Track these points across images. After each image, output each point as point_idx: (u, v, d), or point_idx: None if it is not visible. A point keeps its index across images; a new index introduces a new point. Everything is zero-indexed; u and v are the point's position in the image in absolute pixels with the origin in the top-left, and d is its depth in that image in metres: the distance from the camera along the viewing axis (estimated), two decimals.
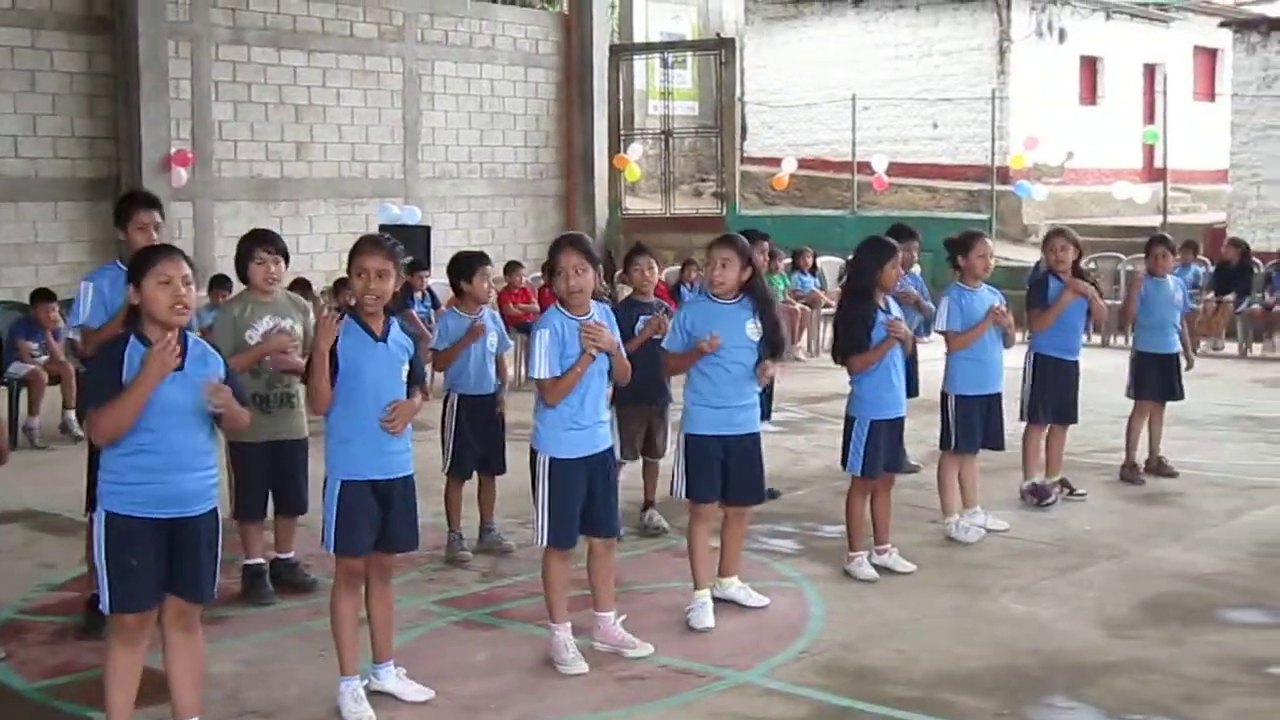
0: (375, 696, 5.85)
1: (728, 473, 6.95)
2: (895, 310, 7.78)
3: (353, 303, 5.85)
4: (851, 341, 7.60)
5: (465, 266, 8.34)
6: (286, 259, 7.44)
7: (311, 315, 7.56)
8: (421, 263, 15.07)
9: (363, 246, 5.78)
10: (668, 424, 8.64)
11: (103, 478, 5.05)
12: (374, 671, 5.93)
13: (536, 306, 15.33)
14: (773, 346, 6.97)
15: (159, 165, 18.63)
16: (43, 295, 12.59)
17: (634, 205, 25.87)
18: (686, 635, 6.77)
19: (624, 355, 6.44)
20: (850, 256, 8.12)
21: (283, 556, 7.51)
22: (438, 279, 15.92)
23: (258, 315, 7.26)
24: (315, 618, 7.00)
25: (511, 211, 23.82)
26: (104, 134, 18.81)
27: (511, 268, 15.89)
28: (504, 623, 7.06)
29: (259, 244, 7.36)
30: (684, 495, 7.03)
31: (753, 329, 6.85)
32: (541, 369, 6.18)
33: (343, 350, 5.62)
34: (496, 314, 8.69)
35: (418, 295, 14.44)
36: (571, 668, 6.24)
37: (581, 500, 6.30)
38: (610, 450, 6.47)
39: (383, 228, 18.39)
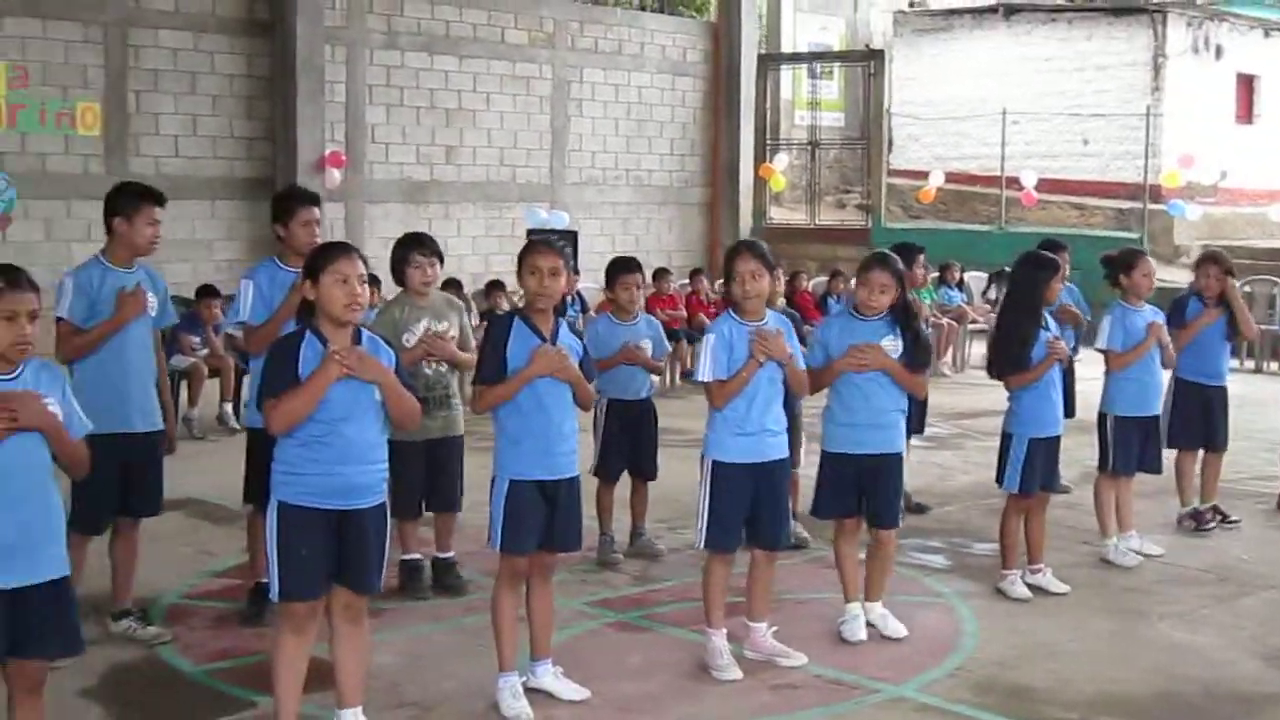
0: (532, 694, 5.91)
1: (863, 491, 6.88)
2: (1054, 328, 7.69)
3: (503, 306, 5.93)
4: (1013, 359, 7.51)
5: (609, 273, 8.39)
6: (441, 261, 7.51)
7: (466, 314, 7.66)
8: (571, 267, 15.14)
9: (536, 246, 5.85)
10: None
11: (276, 468, 5.18)
12: (531, 669, 6.00)
13: (684, 313, 15.39)
14: (915, 360, 6.88)
15: (313, 166, 18.97)
16: (205, 291, 12.90)
17: (778, 215, 25.83)
18: (838, 647, 6.75)
19: (799, 367, 6.44)
20: (1010, 272, 8.05)
21: (442, 556, 7.60)
22: (585, 284, 16.12)
23: (415, 318, 7.36)
24: (470, 614, 7.11)
25: (656, 219, 23.91)
26: (261, 135, 19.21)
27: (660, 274, 15.96)
28: (656, 626, 7.10)
29: (415, 247, 7.46)
30: (813, 513, 7.02)
31: (891, 346, 6.79)
32: (705, 371, 6.23)
33: (512, 351, 5.69)
34: (654, 319, 8.70)
35: (567, 299, 14.53)
36: (726, 674, 6.25)
37: (745, 507, 6.30)
38: (784, 461, 6.44)
39: (530, 232, 18.56)
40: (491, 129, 21.60)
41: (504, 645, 5.85)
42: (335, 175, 19.12)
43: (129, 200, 6.64)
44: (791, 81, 27.76)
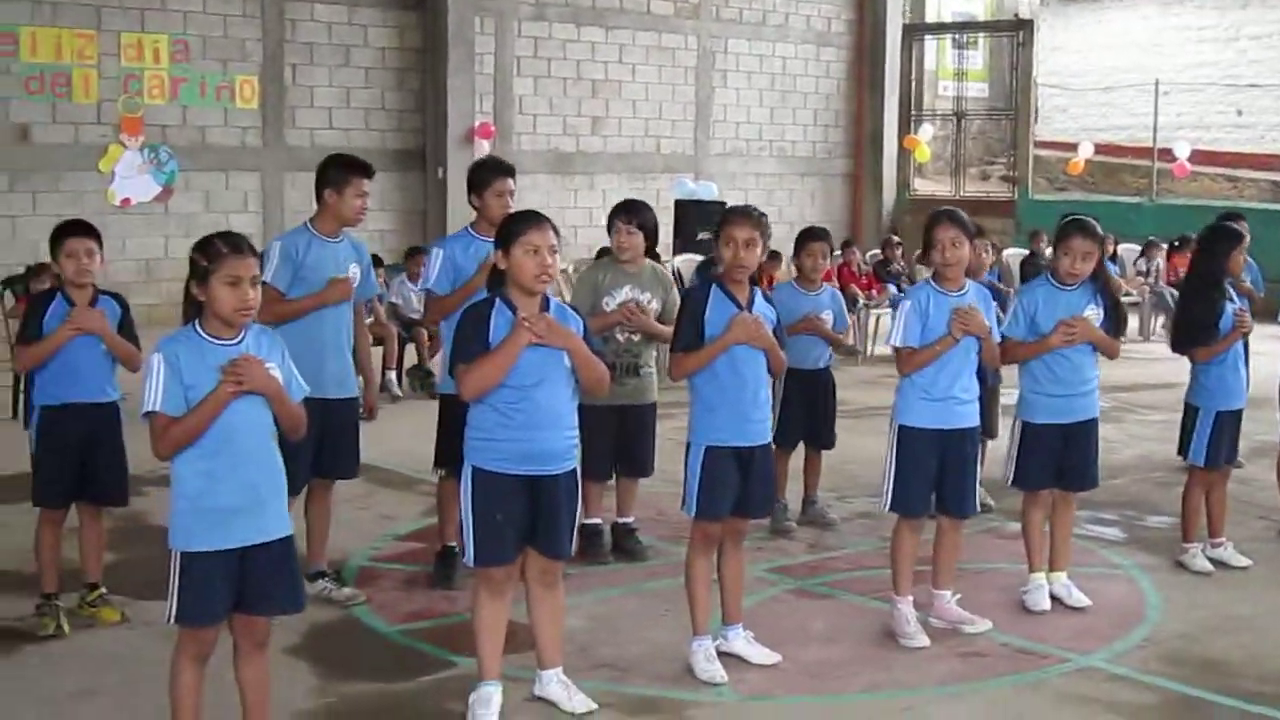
0: (723, 658, 5.97)
1: (1060, 459, 6.86)
2: (1238, 300, 7.57)
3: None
4: (1199, 332, 7.41)
5: (797, 241, 8.42)
6: (647, 233, 7.43)
7: (675, 290, 7.65)
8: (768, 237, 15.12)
9: (732, 217, 5.86)
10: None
11: (470, 434, 5.26)
12: (724, 634, 6.06)
13: (836, 284, 15.33)
14: (1115, 327, 6.85)
15: (463, 138, 19.17)
16: (417, 250, 13.03)
17: (921, 187, 25.62)
18: (1022, 616, 6.73)
19: (995, 342, 6.42)
20: (1194, 245, 7.94)
21: (622, 521, 7.67)
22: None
23: (618, 284, 7.35)
24: (651, 579, 7.20)
25: (799, 190, 23.84)
26: (411, 107, 19.45)
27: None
28: (836, 593, 7.13)
29: (619, 214, 7.44)
30: (1014, 484, 6.97)
31: (1094, 314, 6.74)
32: (896, 336, 6.25)
33: (710, 319, 5.74)
34: (838, 292, 8.69)
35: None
36: (913, 641, 6.26)
37: (932, 473, 6.31)
38: (973, 430, 6.42)
39: (678, 203, 18.63)
40: (637, 100, 21.67)
41: (698, 609, 5.90)
42: (484, 146, 19.27)
43: (339, 172, 6.73)
44: (936, 51, 27.46)
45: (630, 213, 7.43)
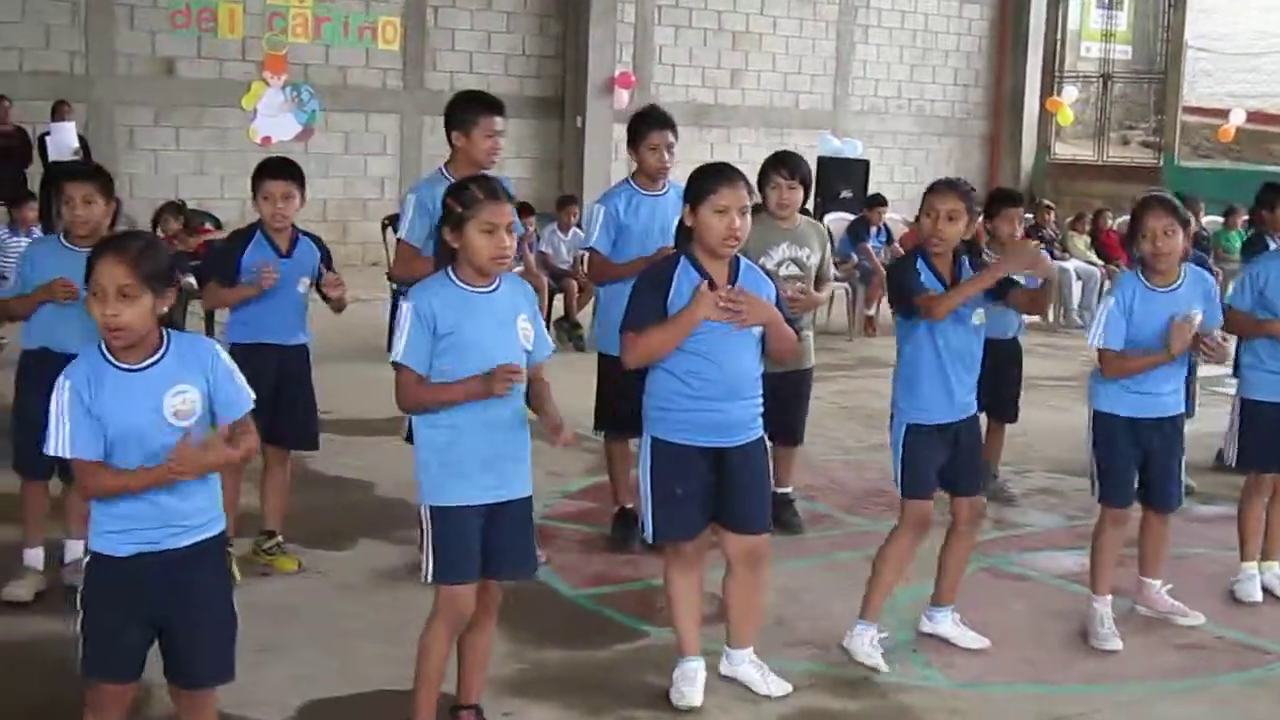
0: (926, 639, 5.73)
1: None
2: None
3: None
4: None
5: (989, 204, 8.07)
6: (805, 188, 7.05)
7: (830, 242, 7.32)
8: (881, 198, 14.80)
9: (938, 187, 5.50)
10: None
11: (649, 402, 4.97)
12: (929, 614, 5.79)
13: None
14: None
15: (603, 87, 18.90)
16: (521, 209, 12.83)
17: (1060, 151, 24.98)
18: (1232, 607, 6.40)
19: (1216, 327, 5.96)
20: None
21: (780, 491, 7.24)
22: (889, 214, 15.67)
23: (774, 241, 6.90)
24: (836, 549, 6.98)
25: (936, 150, 23.35)
26: (552, 53, 19.22)
27: None
28: (1031, 574, 6.84)
29: (776, 167, 6.99)
30: (1238, 466, 6.58)
31: None
32: (1096, 336, 5.81)
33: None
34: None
35: (872, 229, 14.22)
36: (1106, 644, 5.84)
37: (1136, 461, 5.94)
38: (1179, 417, 5.99)
39: (822, 160, 18.23)
40: (776, 53, 21.29)
41: (878, 594, 5.59)
42: (624, 96, 19.01)
43: (465, 112, 6.23)
44: (1079, 11, 26.75)
45: (790, 166, 6.95)
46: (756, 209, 5.44)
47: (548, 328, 11.88)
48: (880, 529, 7.22)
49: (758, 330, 4.89)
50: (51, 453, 3.68)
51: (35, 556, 5.99)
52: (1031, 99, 23.68)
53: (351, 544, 6.68)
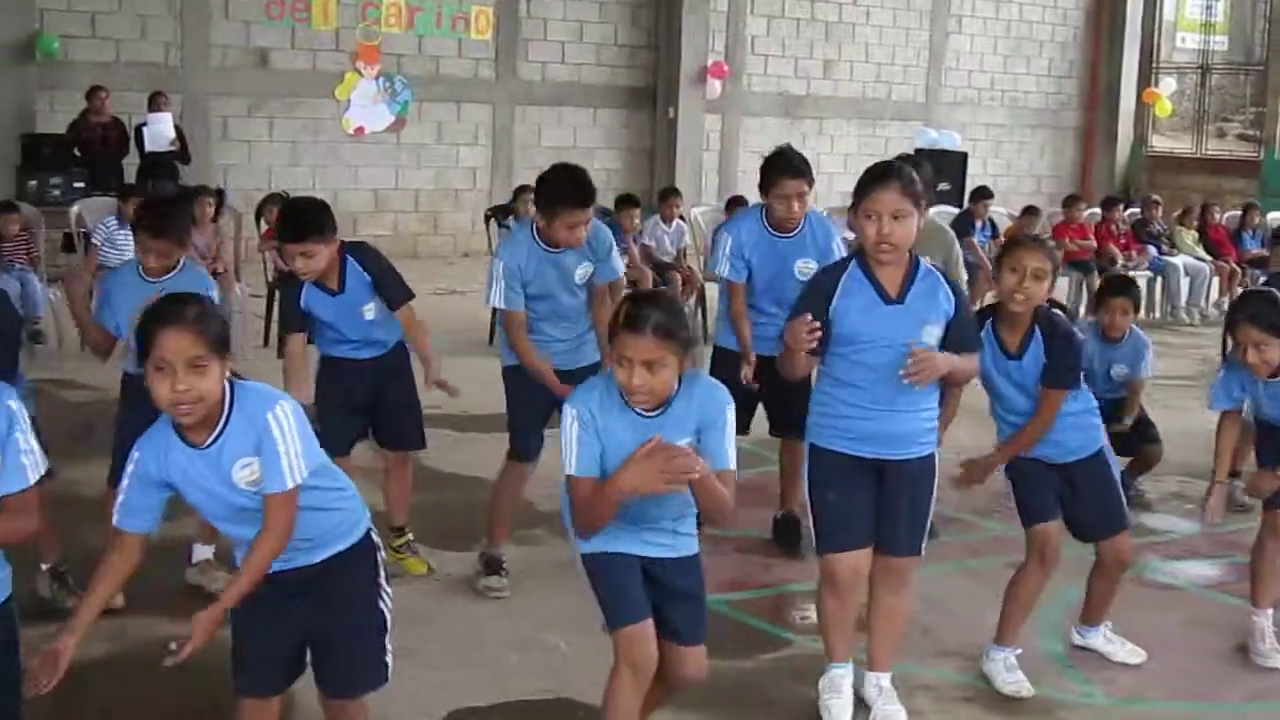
0: (1080, 653, 5.50)
1: None
2: None
3: None
4: None
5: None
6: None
7: (957, 245, 7.02)
8: (987, 190, 14.48)
9: (1026, 242, 5.14)
10: None
11: (813, 409, 4.77)
12: (1080, 631, 5.56)
13: (1093, 243, 14.62)
14: None
15: (695, 76, 18.69)
16: (626, 200, 12.69)
17: (1156, 143, 24.51)
18: None
19: None
20: None
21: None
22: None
23: None
24: (973, 556, 6.76)
25: (1029, 143, 22.98)
26: (644, 43, 19.01)
27: (1070, 201, 15.15)
28: (1179, 584, 6.58)
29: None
30: None
31: None
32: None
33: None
34: (1143, 341, 7.54)
35: (978, 224, 13.92)
36: (1266, 660, 5.57)
37: None
38: None
39: (919, 151, 17.95)
40: (870, 44, 21.00)
41: (1010, 625, 5.30)
42: (716, 86, 18.81)
43: (547, 201, 5.77)
44: (1176, 1, 26.27)
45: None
46: None
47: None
48: (1015, 534, 7.06)
49: (933, 339, 4.61)
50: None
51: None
52: (1128, 91, 23.22)
53: (476, 544, 6.51)
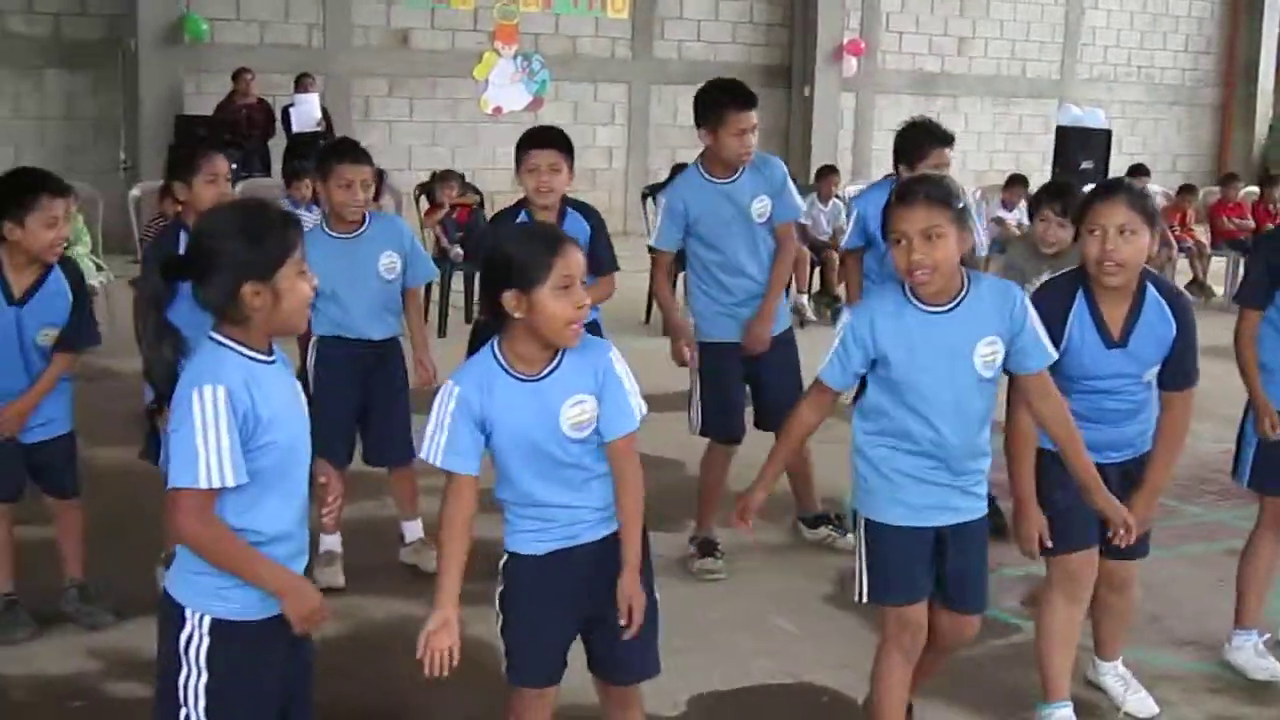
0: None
1: None
2: None
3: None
4: None
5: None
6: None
7: None
8: (1143, 168, 14.22)
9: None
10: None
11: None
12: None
13: (1251, 223, 14.29)
14: None
15: (831, 54, 18.53)
16: (829, 170, 12.61)
17: None
18: None
19: None
20: None
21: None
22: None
23: (1038, 270, 5.90)
24: (1185, 541, 6.60)
25: (1165, 120, 22.57)
26: (779, 21, 18.87)
27: (1228, 180, 14.83)
28: None
29: (1049, 201, 6.15)
30: None
31: None
32: None
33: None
34: None
35: None
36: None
37: None
38: None
39: (1061, 130, 17.70)
40: (1004, 20, 20.72)
41: (1249, 603, 5.09)
42: (852, 64, 18.63)
43: (710, 108, 5.69)
44: None
45: (1064, 200, 6.05)
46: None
47: (807, 300, 11.73)
48: (1218, 518, 6.90)
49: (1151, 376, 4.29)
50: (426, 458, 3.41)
51: (334, 541, 5.79)
52: (1267, 67, 22.76)
53: (680, 527, 6.43)
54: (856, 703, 4.62)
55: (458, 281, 11.25)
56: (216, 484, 2.88)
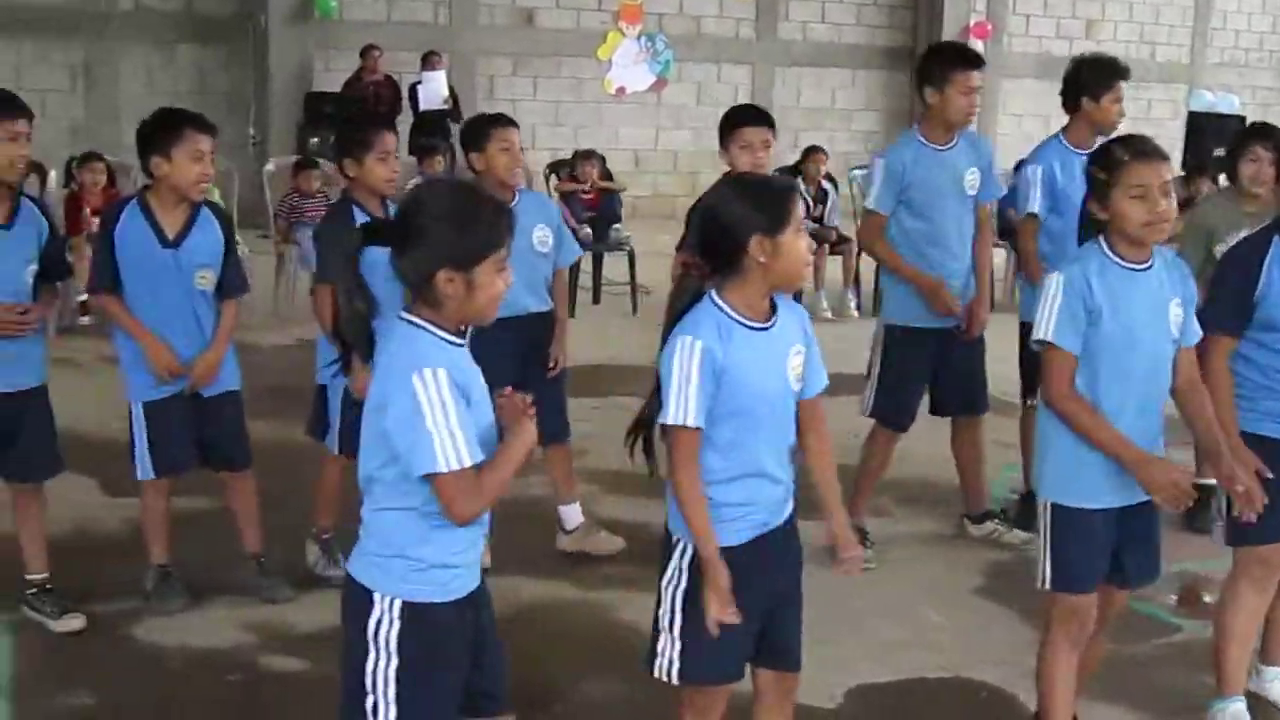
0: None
1: None
2: None
3: None
4: None
5: None
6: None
7: None
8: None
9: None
10: None
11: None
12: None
13: None
14: None
15: (957, 36, 18.25)
16: None
17: None
18: None
19: None
20: None
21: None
22: None
23: (1237, 226, 5.76)
24: None
25: None
26: (904, 3, 18.69)
27: None
28: None
29: (1255, 138, 6.13)
30: None
31: None
32: None
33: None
34: None
35: None
36: None
37: None
38: None
39: (1192, 115, 17.36)
40: (1133, 3, 20.38)
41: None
42: (979, 46, 18.32)
43: (941, 67, 5.68)
44: None
45: (1275, 138, 6.03)
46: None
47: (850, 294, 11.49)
48: None
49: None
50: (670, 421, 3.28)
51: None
52: None
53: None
54: (1017, 699, 4.55)
55: (586, 262, 11.23)
56: (455, 465, 2.85)
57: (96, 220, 9.27)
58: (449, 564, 3.02)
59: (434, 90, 14.54)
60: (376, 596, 2.99)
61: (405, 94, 14.92)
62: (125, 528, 5.83)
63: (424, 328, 2.95)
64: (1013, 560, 5.94)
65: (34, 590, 5.07)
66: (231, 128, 14.91)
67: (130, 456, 5.10)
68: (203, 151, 4.85)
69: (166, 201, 4.92)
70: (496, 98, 16.34)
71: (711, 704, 3.55)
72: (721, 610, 3.23)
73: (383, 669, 2.98)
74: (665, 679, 3.47)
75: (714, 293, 3.33)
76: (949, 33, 18.17)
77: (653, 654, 3.48)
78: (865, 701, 4.66)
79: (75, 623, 5.00)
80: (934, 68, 5.73)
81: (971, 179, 5.81)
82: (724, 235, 3.29)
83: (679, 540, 3.41)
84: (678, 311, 3.34)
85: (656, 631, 3.47)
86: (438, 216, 2.92)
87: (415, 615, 2.99)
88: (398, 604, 2.98)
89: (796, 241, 3.30)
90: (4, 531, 5.57)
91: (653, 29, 17.08)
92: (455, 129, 14.40)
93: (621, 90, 16.96)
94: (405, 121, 14.60)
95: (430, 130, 14.04)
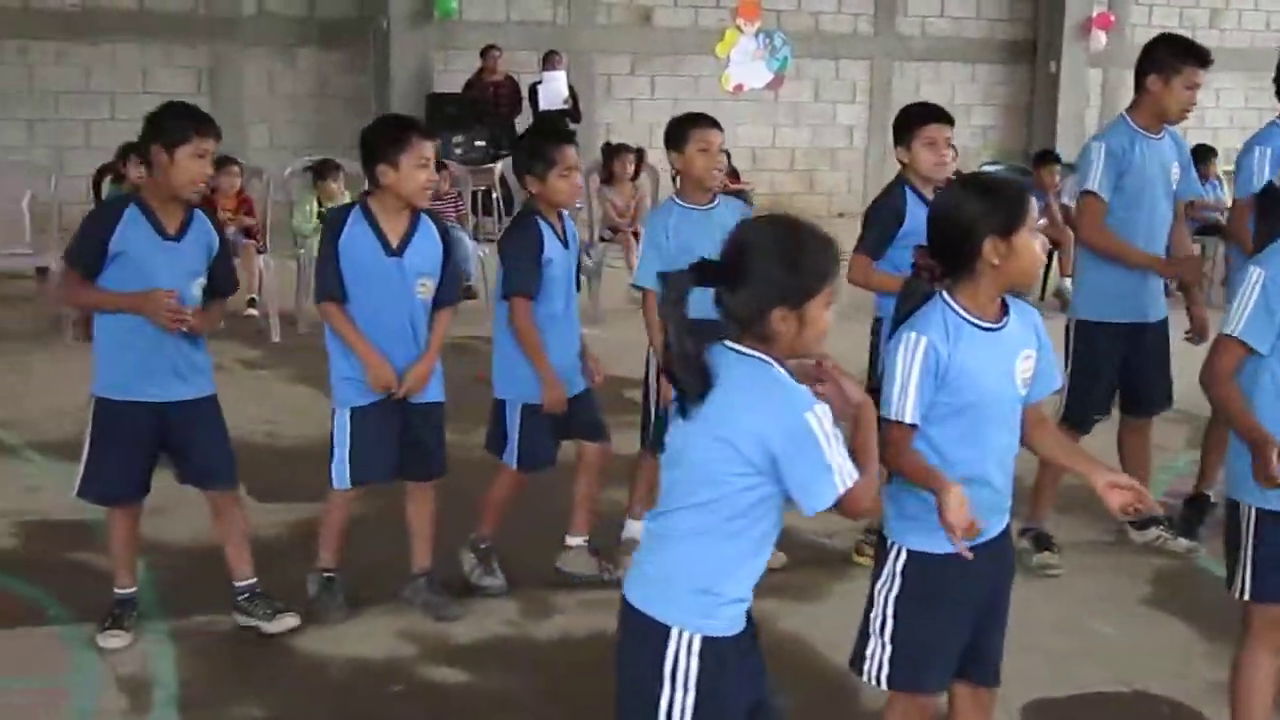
0: None
1: None
2: None
3: None
4: None
5: None
6: None
7: None
8: None
9: None
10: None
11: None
12: None
13: None
14: None
15: (1078, 28, 18.00)
16: (1045, 157, 12.26)
17: None
18: None
19: None
20: None
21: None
22: None
23: None
24: None
25: None
26: None
27: None
28: None
29: None
30: None
31: None
32: None
33: None
34: None
35: None
36: None
37: None
38: None
39: None
40: None
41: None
42: (1101, 38, 18.06)
43: (1171, 57, 5.67)
44: None
45: None
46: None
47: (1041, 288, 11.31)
48: None
49: None
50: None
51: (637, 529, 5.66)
52: None
53: None
54: (1203, 715, 4.41)
55: None
56: (849, 483, 2.80)
57: (230, 225, 9.39)
58: (744, 597, 2.97)
59: (554, 90, 14.53)
60: (674, 632, 2.91)
61: (525, 94, 14.92)
62: (282, 533, 5.85)
63: (769, 363, 2.87)
64: (1180, 567, 5.79)
65: (245, 595, 5.07)
66: (352, 131, 15.00)
67: (329, 461, 5.06)
68: (428, 158, 4.86)
69: (389, 209, 4.93)
70: (614, 97, 16.34)
71: (917, 714, 3.52)
72: (959, 515, 3.13)
73: (679, 703, 2.90)
74: (873, 683, 3.46)
75: (945, 292, 3.29)
76: (1070, 24, 17.93)
77: (861, 656, 3.46)
78: (1044, 716, 4.53)
79: (291, 620, 5.02)
80: (1163, 56, 5.70)
81: (1176, 172, 5.79)
82: (958, 237, 3.24)
83: (894, 543, 3.39)
84: (904, 314, 3.30)
85: (867, 635, 3.45)
86: (770, 257, 2.86)
87: (712, 650, 2.91)
88: (697, 640, 2.90)
89: (1030, 243, 3.25)
90: (167, 540, 5.60)
91: (771, 26, 16.97)
92: (575, 129, 14.44)
93: (739, 87, 16.86)
94: (524, 121, 14.63)
95: (546, 134, 14.00)
